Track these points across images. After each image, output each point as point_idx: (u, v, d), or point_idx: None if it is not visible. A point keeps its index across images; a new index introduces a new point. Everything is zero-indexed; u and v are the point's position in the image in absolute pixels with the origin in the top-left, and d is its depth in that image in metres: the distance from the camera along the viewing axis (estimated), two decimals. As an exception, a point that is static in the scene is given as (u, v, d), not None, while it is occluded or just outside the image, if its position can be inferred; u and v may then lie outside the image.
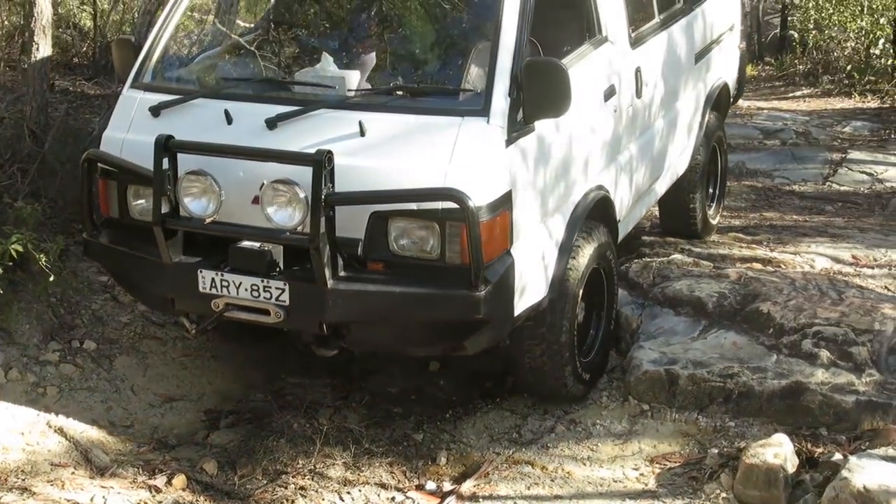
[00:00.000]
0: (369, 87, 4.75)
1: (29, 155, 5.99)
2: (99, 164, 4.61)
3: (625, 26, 5.40)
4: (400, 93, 4.59)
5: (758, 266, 6.28)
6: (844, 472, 4.07)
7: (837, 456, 4.35)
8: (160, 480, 4.43)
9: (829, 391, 4.71)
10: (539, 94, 4.27)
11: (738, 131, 10.83)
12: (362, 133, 4.29)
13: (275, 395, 5.19)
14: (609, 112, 5.11)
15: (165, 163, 4.23)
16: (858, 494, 3.97)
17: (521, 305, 4.42)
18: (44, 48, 5.84)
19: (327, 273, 4.13)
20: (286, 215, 4.20)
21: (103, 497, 4.26)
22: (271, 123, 4.37)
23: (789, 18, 14.77)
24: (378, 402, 5.21)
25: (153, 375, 5.24)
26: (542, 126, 4.48)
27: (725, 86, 7.23)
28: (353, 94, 4.59)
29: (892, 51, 13.74)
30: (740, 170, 9.47)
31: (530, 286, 4.47)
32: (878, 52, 13.80)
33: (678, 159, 6.39)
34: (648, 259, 6.11)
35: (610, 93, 5.10)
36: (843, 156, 10.09)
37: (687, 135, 6.47)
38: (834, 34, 14.50)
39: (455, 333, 4.45)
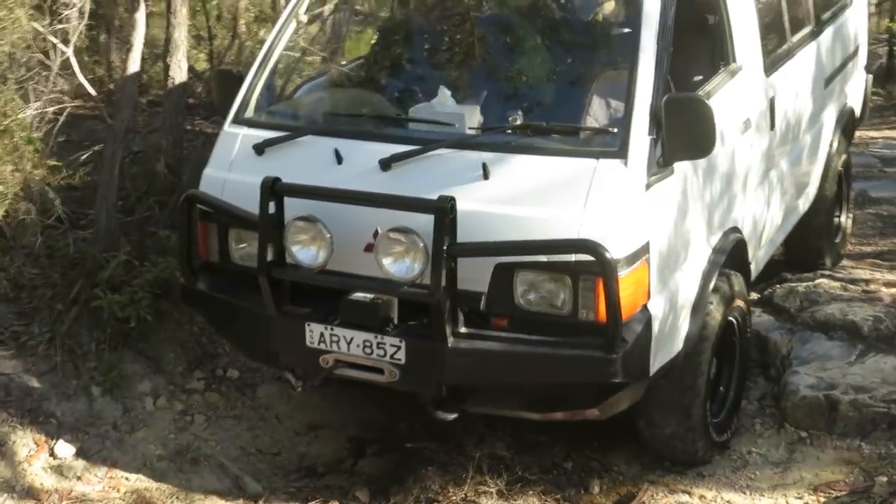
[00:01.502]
0: (489, 124, 4.33)
1: (165, 187, 5.90)
2: (198, 206, 4.23)
3: (759, 52, 4.96)
4: (527, 131, 4.16)
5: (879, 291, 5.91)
6: None
7: None
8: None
9: None
10: (682, 134, 3.83)
11: (856, 160, 10.39)
12: (486, 176, 3.87)
13: (420, 423, 4.97)
14: (745, 147, 4.66)
15: (271, 207, 3.87)
16: None
17: (656, 364, 3.94)
18: (179, 80, 5.72)
19: (448, 330, 3.74)
20: (404, 267, 3.80)
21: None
22: (385, 164, 3.97)
23: (895, 48, 14.41)
24: (522, 431, 4.96)
25: (296, 404, 5.06)
26: (680, 167, 4.04)
27: (852, 111, 6.84)
28: (474, 132, 4.20)
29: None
30: (863, 198, 9.07)
31: (666, 343, 4.01)
32: None
33: (809, 191, 6.01)
34: (793, 283, 5.78)
35: (746, 126, 4.66)
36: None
37: (817, 165, 6.05)
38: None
39: (588, 397, 4.02)
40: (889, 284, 6.04)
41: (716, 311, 4.28)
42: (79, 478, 4.38)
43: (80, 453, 4.44)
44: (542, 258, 3.75)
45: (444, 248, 3.63)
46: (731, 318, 4.49)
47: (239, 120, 4.46)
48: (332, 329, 3.91)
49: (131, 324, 4.84)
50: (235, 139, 4.38)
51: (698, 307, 4.19)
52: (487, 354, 3.79)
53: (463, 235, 3.68)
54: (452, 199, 3.64)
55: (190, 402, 4.90)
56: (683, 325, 4.11)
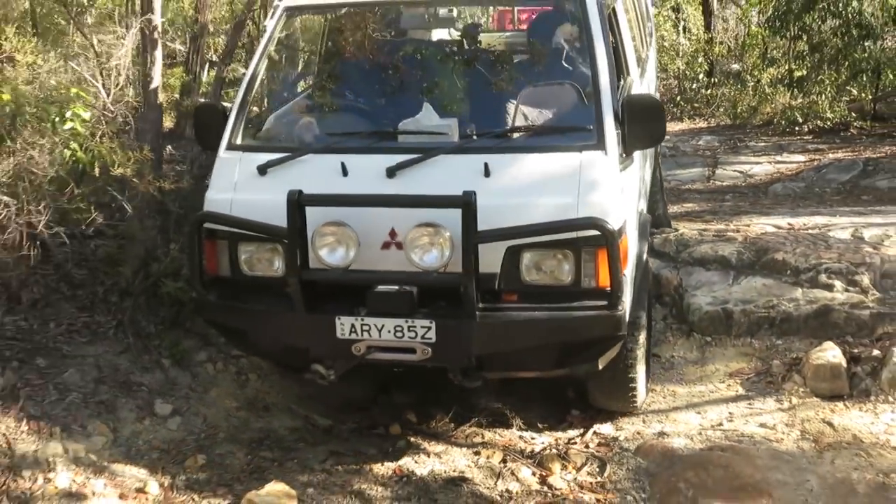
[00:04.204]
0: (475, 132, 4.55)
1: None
2: (204, 226, 4.28)
3: (636, 66, 5.59)
4: (515, 134, 4.50)
5: (733, 233, 7.32)
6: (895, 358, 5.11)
7: (875, 352, 5.39)
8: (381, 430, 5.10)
9: (849, 309, 5.79)
10: (641, 128, 4.19)
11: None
12: (487, 174, 4.11)
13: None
14: None
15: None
16: (910, 372, 5.02)
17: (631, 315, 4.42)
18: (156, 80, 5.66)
19: (475, 308, 3.97)
20: (432, 257, 4.02)
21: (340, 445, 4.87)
22: (391, 172, 4.14)
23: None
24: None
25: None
26: (634, 155, 4.51)
27: None
28: (472, 138, 4.43)
29: (706, 84, 15.51)
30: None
31: (630, 299, 4.43)
32: (696, 86, 15.45)
33: (651, 166, 6.80)
34: (662, 235, 7.03)
35: None
36: (716, 160, 11.46)
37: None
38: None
39: (589, 352, 4.31)
40: (719, 231, 7.43)
41: (650, 263, 5.27)
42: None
43: (175, 412, 5.01)
44: (548, 237, 4.00)
45: (472, 236, 3.87)
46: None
47: (232, 146, 4.52)
48: (362, 319, 4.06)
49: (185, 306, 5.41)
50: (234, 163, 4.44)
51: (641, 262, 4.85)
52: (511, 324, 4.06)
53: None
54: (474, 193, 3.86)
55: (240, 364, 5.53)
56: (636, 278, 4.67)
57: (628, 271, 4.31)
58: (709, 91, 15.25)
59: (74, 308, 5.39)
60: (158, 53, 5.46)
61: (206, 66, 10.07)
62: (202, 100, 6.68)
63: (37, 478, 4.27)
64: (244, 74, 4.94)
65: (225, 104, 4.93)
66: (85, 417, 4.70)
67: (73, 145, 4.47)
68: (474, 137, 4.47)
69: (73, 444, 4.51)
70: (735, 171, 10.85)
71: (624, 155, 4.33)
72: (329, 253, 4.10)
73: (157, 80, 5.52)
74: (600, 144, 4.20)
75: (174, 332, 5.46)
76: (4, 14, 7.78)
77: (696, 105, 15.22)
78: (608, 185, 4.15)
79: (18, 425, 4.48)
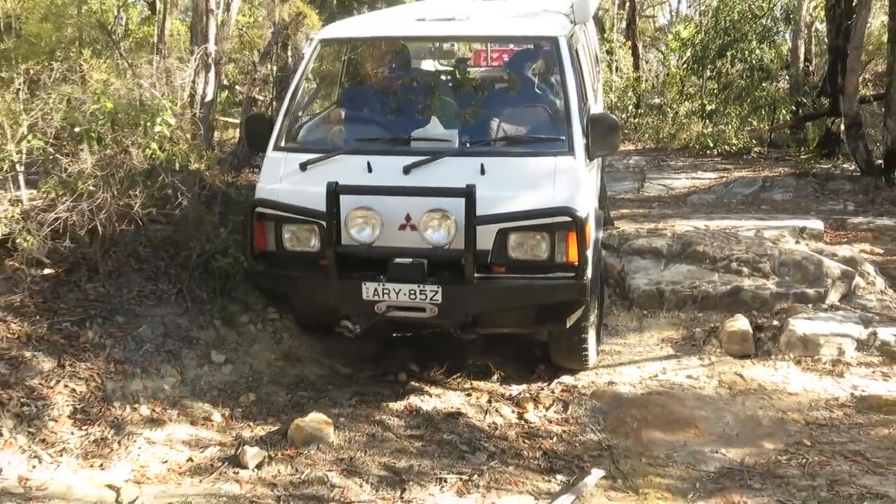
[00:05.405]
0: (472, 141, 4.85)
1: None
2: (256, 210, 4.57)
3: (592, 93, 5.93)
4: (503, 142, 4.85)
5: (663, 231, 7.83)
6: (790, 326, 5.66)
7: (774, 322, 5.92)
8: (391, 377, 5.49)
9: (755, 289, 6.31)
10: (602, 139, 4.57)
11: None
12: (482, 172, 4.43)
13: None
14: None
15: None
16: (802, 337, 5.56)
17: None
18: (210, 95, 6.01)
19: (473, 276, 4.31)
20: (442, 236, 4.35)
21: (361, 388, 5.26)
22: (407, 169, 4.44)
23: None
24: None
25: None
26: (593, 163, 4.96)
27: None
28: (468, 145, 4.74)
29: (634, 113, 16.14)
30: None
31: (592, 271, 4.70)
32: (625, 115, 16.10)
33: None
34: (606, 231, 7.50)
35: None
36: (644, 176, 12.01)
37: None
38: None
39: (560, 313, 4.62)
40: (651, 230, 7.91)
41: (602, 248, 5.66)
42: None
43: (227, 361, 5.36)
44: (531, 222, 4.36)
45: (473, 219, 4.23)
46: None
47: (278, 147, 4.85)
48: (383, 284, 4.40)
49: (234, 278, 5.76)
50: (280, 161, 4.75)
51: (597, 246, 5.21)
52: (501, 289, 4.44)
53: None
54: (474, 186, 4.24)
55: (275, 326, 5.85)
56: (594, 259, 4.94)
57: (590, 252, 4.66)
58: (636, 120, 15.89)
59: (142, 278, 5.67)
60: (212, 75, 5.79)
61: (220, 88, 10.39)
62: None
63: (125, 407, 4.62)
64: (285, 91, 5.30)
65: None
66: (158, 363, 5.04)
67: (153, 145, 4.79)
68: (467, 145, 4.80)
69: (150, 383, 4.87)
70: (660, 184, 11.42)
71: (588, 160, 4.69)
72: (358, 232, 4.45)
73: (210, 96, 5.84)
74: (571, 151, 4.58)
75: (223, 298, 5.78)
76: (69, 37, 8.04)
77: (625, 131, 15.81)
78: (577, 183, 4.52)
79: (107, 367, 4.81)
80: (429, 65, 6.75)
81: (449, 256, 4.38)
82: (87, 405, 4.52)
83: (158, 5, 12.63)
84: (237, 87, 11.71)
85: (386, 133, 5.04)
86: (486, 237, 4.37)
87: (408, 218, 4.43)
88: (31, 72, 5.42)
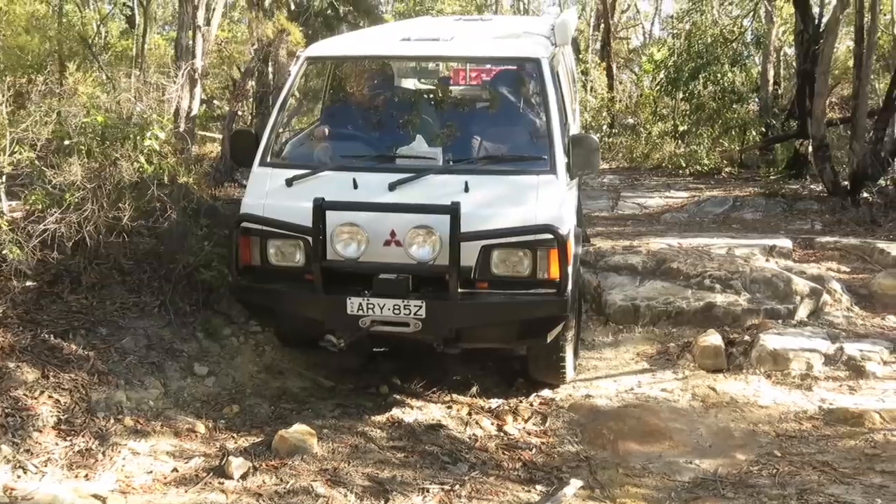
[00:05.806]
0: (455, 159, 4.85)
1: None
2: (241, 225, 4.58)
3: (571, 114, 5.90)
4: (487, 161, 4.84)
5: (637, 248, 7.97)
6: (761, 341, 5.81)
7: (746, 337, 6.07)
8: (373, 390, 5.55)
9: (727, 305, 6.47)
10: (583, 159, 4.65)
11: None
12: (466, 189, 4.46)
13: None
14: None
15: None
16: (772, 351, 5.71)
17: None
18: (195, 110, 6.10)
19: (457, 292, 4.33)
20: (426, 252, 4.38)
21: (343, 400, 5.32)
22: (392, 186, 4.47)
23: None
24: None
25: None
26: (573, 183, 5.02)
27: None
28: (452, 163, 4.74)
29: (609, 133, 16.32)
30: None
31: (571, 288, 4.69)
32: (600, 135, 16.21)
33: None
34: (583, 248, 7.61)
35: None
36: (618, 194, 12.20)
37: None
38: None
39: (542, 328, 4.66)
40: (626, 246, 8.05)
41: (580, 264, 5.68)
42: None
43: (210, 373, 5.41)
44: (514, 239, 4.38)
45: (457, 236, 4.24)
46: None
47: (264, 163, 4.85)
48: (368, 299, 4.42)
49: (217, 291, 5.81)
50: (266, 176, 4.76)
51: (576, 262, 5.16)
52: (483, 305, 4.47)
53: None
54: (459, 203, 4.29)
55: (258, 339, 5.91)
56: (574, 274, 4.94)
57: (570, 268, 4.72)
58: (610, 139, 16.08)
59: (125, 290, 5.71)
60: (198, 90, 5.87)
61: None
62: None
63: (109, 419, 4.66)
64: (264, 106, 5.41)
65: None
66: (141, 374, 5.08)
67: (141, 159, 4.85)
68: (451, 163, 4.83)
69: (134, 394, 4.91)
70: (634, 203, 11.58)
71: (569, 179, 4.76)
72: (344, 247, 4.48)
73: (195, 110, 5.92)
74: (552, 170, 4.63)
75: (205, 311, 5.84)
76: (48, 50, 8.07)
77: (600, 150, 15.96)
78: (558, 201, 4.59)
79: (91, 378, 4.85)
80: (410, 83, 6.87)
81: (433, 272, 4.43)
82: (72, 416, 4.55)
83: (138, 19, 12.73)
84: (215, 101, 11.77)
85: (371, 150, 5.08)
86: (469, 253, 4.41)
87: (393, 234, 4.47)
88: (17, 84, 5.44)
